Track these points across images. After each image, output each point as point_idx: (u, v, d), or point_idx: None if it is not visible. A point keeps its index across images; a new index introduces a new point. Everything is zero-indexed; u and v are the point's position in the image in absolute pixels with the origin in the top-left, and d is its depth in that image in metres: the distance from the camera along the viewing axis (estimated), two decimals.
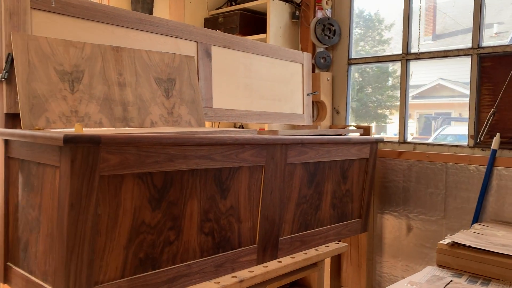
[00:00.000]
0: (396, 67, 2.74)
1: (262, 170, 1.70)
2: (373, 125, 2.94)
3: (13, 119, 1.46)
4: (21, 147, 1.37)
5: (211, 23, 3.00)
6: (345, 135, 2.60)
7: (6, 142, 1.44)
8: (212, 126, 3.08)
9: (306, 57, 2.62)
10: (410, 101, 2.60)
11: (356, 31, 2.88)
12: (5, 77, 1.43)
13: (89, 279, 1.23)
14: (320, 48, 2.83)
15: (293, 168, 1.86)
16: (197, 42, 2.02)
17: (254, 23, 2.86)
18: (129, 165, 1.27)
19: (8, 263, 1.46)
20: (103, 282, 1.27)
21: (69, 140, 1.12)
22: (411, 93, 2.65)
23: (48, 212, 1.26)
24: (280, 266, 1.77)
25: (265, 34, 2.74)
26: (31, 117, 1.43)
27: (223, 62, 2.13)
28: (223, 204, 1.58)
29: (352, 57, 2.83)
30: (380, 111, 3.03)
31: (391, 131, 3.18)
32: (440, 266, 1.73)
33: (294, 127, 2.77)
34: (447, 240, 1.75)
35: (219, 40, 2.11)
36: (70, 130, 1.48)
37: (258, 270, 1.70)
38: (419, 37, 2.49)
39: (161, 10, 2.82)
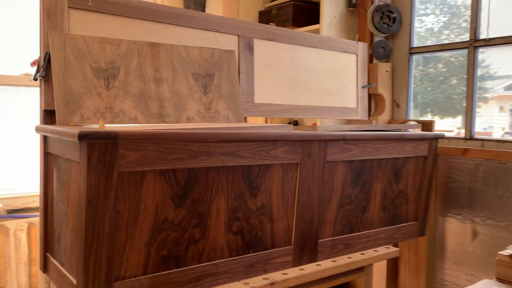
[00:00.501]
0: (485, 55, 2.44)
1: (297, 168, 1.61)
2: (459, 118, 2.66)
3: (51, 116, 1.51)
4: (55, 142, 1.41)
5: (265, 16, 2.94)
6: (405, 130, 2.42)
7: (45, 138, 1.50)
8: (266, 123, 3.03)
9: (361, 47, 2.46)
10: (503, 92, 2.33)
11: (439, 19, 2.63)
12: (43, 75, 1.48)
13: (108, 274, 1.24)
14: (378, 37, 2.65)
15: (334, 167, 1.75)
16: (238, 35, 1.97)
17: (308, 14, 2.75)
18: (149, 162, 1.26)
19: (47, 254, 1.52)
20: (124, 278, 1.28)
21: (84, 136, 1.13)
22: (505, 83, 2.37)
23: (74, 206, 1.28)
24: (318, 270, 1.67)
25: (318, 25, 2.62)
26: (66, 114, 1.48)
27: (267, 55, 2.06)
28: (253, 202, 1.52)
29: (415, 45, 2.61)
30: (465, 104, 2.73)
31: (479, 126, 2.86)
32: (499, 280, 1.53)
33: (349, 121, 2.63)
34: (509, 251, 1.54)
35: (262, 33, 2.05)
36: (114, 126, 1.51)
37: (293, 272, 1.62)
38: (488, 20, 2.23)
39: (214, 6, 2.81)
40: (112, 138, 1.18)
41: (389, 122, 2.65)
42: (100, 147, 1.17)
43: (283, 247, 1.63)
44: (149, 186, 1.28)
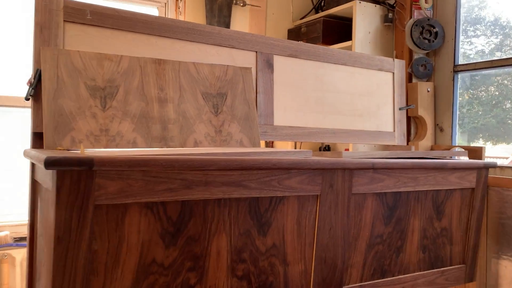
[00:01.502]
0: None
1: (317, 201, 1.38)
2: None
3: (40, 139, 1.37)
4: (38, 169, 1.26)
5: (294, 34, 2.76)
6: (450, 158, 2.13)
7: (33, 164, 1.36)
8: (295, 147, 2.81)
9: (398, 64, 2.22)
10: None
11: (490, 40, 2.35)
12: (31, 94, 1.35)
13: None
14: (418, 54, 2.40)
15: (362, 200, 1.50)
16: (256, 52, 1.79)
17: (339, 30, 2.55)
18: (133, 193, 1.08)
19: None
20: None
21: (52, 163, 0.96)
22: None
23: (49, 243, 1.11)
24: None
25: (350, 41, 2.41)
26: (55, 136, 1.33)
27: (289, 73, 1.86)
28: (261, 241, 1.30)
29: (460, 63, 2.33)
30: None
31: None
32: None
33: (385, 147, 2.36)
34: None
35: (283, 49, 1.86)
36: (97, 151, 1.35)
37: None
38: None
39: (240, 23, 2.66)
40: (86, 165, 1.00)
41: (432, 148, 2.36)
42: (72, 176, 1.00)
43: None
44: (132, 222, 1.09)
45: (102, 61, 1.46)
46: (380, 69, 2.16)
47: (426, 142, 2.34)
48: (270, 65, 1.82)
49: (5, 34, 2.30)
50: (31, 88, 1.35)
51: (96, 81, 1.43)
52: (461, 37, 2.35)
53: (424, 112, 2.33)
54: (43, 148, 1.35)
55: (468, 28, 2.39)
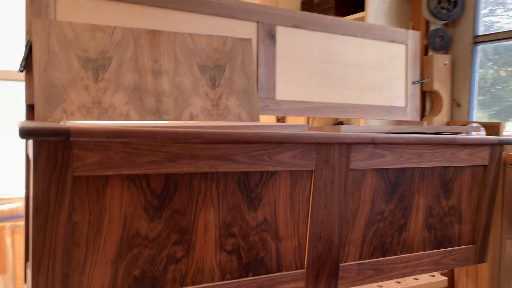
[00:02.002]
0: None
1: (311, 176, 1.33)
2: None
3: (33, 111, 1.37)
4: (29, 141, 1.26)
5: (307, 5, 2.67)
6: (467, 133, 2.03)
7: None
8: (307, 123, 2.75)
9: (412, 36, 2.11)
10: None
11: None
12: (23, 66, 1.34)
13: None
14: (435, 25, 2.27)
15: (361, 176, 1.44)
16: (257, 22, 1.73)
17: (353, 1, 2.44)
18: (113, 165, 1.06)
19: (26, 263, 1.38)
20: None
21: (26, 132, 0.95)
22: None
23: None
24: None
25: (363, 12, 2.30)
26: (46, 108, 1.32)
27: (292, 45, 1.80)
28: (252, 216, 1.27)
29: (480, 33, 2.20)
30: None
31: None
32: None
33: (398, 123, 2.27)
34: None
35: (287, 19, 1.78)
36: (87, 123, 1.34)
37: None
38: None
39: None
40: (63, 135, 0.99)
41: (447, 124, 2.26)
42: (49, 146, 0.98)
43: (293, 271, 1.36)
44: (114, 194, 1.08)
45: (95, 32, 1.44)
46: (392, 41, 2.06)
47: (441, 117, 2.24)
48: (272, 36, 1.76)
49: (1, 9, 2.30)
50: (23, 60, 1.34)
51: (88, 52, 1.41)
52: (482, 6, 2.21)
53: (440, 86, 2.21)
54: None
55: (493, 7, 2.24)
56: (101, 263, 1.09)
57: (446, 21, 2.26)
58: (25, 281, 1.40)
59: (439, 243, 1.67)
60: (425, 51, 2.28)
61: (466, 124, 2.17)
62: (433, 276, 1.60)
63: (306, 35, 1.83)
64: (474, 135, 2.02)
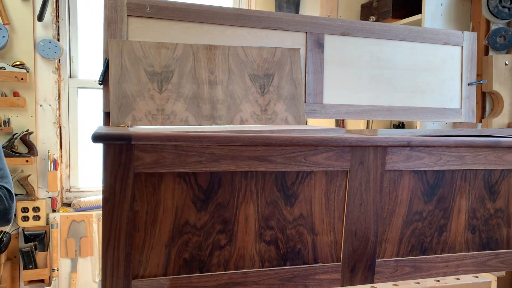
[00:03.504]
0: None
1: (346, 176, 1.45)
2: None
3: (109, 118, 1.63)
4: None
5: (366, 9, 2.73)
6: None
7: None
8: (367, 127, 2.81)
9: (468, 37, 2.10)
10: None
11: None
12: (101, 80, 1.61)
13: (127, 271, 1.28)
14: (497, 25, 2.23)
15: (398, 177, 1.52)
16: (306, 32, 1.86)
17: (410, 4, 2.46)
18: (167, 164, 1.27)
19: None
20: (143, 276, 1.30)
21: (97, 138, 1.19)
22: None
23: None
24: None
25: (420, 15, 2.33)
26: (119, 115, 1.58)
27: (340, 52, 1.90)
28: (288, 211, 1.41)
29: None
30: None
31: None
32: None
33: (454, 124, 2.27)
34: None
35: (335, 28, 1.89)
36: (152, 128, 1.57)
37: None
38: None
39: (311, 2, 2.70)
40: (126, 140, 1.21)
41: (509, 125, 2.21)
42: (115, 149, 1.21)
43: (329, 263, 1.48)
44: (167, 188, 1.29)
45: (160, 49, 1.67)
46: (446, 43, 2.07)
47: (502, 119, 2.19)
48: (320, 45, 1.88)
49: (92, 31, 2.66)
50: (101, 75, 1.61)
51: (154, 67, 1.65)
52: None
53: (500, 87, 2.17)
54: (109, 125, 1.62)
55: None
56: (156, 246, 1.31)
57: (508, 20, 2.21)
58: None
59: (484, 245, 1.68)
60: (485, 51, 2.24)
61: None
62: (477, 277, 1.62)
63: (354, 42, 1.92)
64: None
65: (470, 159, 1.58)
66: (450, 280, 1.58)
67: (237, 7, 2.92)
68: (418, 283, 1.55)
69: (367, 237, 1.50)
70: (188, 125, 1.66)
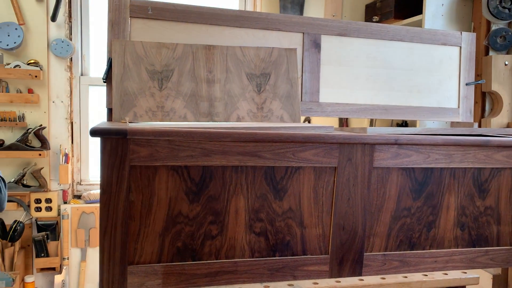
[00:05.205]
0: None
1: (334, 172, 1.50)
2: None
3: (112, 113, 1.72)
4: None
5: (370, 9, 2.76)
6: None
7: None
8: (371, 125, 2.85)
9: (467, 38, 2.13)
10: None
11: None
12: (104, 78, 1.70)
13: (123, 258, 1.36)
14: (498, 25, 2.25)
15: (386, 174, 1.57)
16: (303, 33, 1.92)
17: (412, 4, 2.49)
18: (160, 157, 1.34)
19: None
20: (138, 263, 1.39)
21: (95, 132, 1.27)
22: None
23: None
24: (357, 284, 1.53)
25: (421, 15, 2.36)
26: (121, 112, 1.67)
27: (337, 52, 1.96)
28: (278, 205, 1.48)
29: None
30: None
31: None
32: None
33: (453, 124, 2.29)
34: None
35: (332, 28, 1.95)
36: (150, 124, 1.66)
37: (325, 283, 1.52)
38: None
39: (315, 3, 2.76)
40: (122, 134, 1.29)
41: (508, 125, 2.23)
42: (112, 142, 1.30)
43: (318, 255, 1.54)
44: (161, 180, 1.37)
45: (160, 49, 1.75)
46: (444, 44, 2.11)
47: (501, 119, 2.21)
48: (317, 45, 1.94)
49: (103, 30, 2.76)
50: (104, 73, 1.70)
51: (155, 66, 1.73)
52: None
53: (500, 87, 2.19)
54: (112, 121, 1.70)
55: None
56: (151, 235, 1.39)
57: (508, 21, 2.22)
58: None
59: (474, 242, 1.72)
60: (486, 51, 2.26)
61: None
62: (465, 273, 1.66)
63: (350, 42, 1.97)
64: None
65: (459, 157, 1.62)
66: (438, 275, 1.62)
67: (243, 8, 2.99)
68: (406, 277, 1.59)
69: (355, 231, 1.56)
70: (187, 121, 1.74)
